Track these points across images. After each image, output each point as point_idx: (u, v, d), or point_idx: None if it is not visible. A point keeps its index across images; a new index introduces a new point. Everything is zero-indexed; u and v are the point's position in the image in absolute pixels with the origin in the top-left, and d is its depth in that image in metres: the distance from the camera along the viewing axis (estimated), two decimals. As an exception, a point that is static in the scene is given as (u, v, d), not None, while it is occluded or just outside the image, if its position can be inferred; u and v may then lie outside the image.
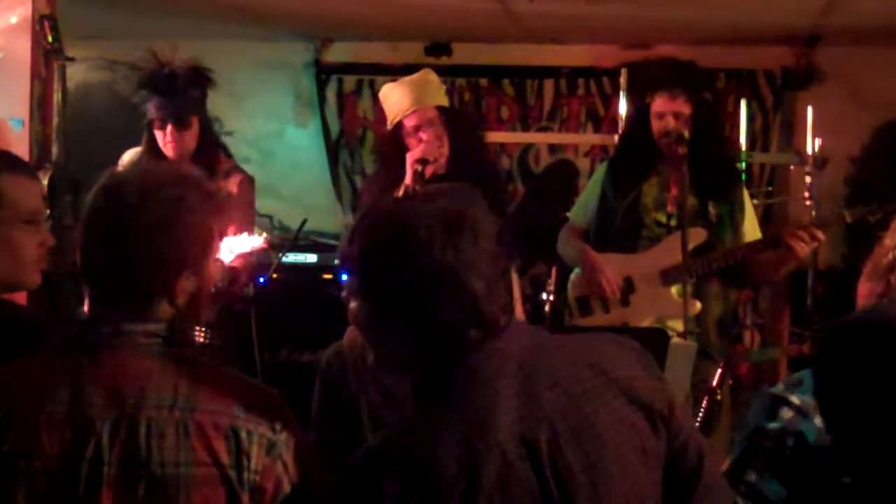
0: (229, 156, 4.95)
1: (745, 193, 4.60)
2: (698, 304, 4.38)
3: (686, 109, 4.32)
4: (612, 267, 4.43)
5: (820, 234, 4.24)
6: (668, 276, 4.34)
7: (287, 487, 2.01)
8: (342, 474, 1.97)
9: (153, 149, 4.51)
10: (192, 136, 4.50)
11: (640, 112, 4.46)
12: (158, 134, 4.50)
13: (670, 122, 4.30)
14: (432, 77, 4.58)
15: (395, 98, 4.49)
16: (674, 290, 4.34)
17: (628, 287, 4.44)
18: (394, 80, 7.18)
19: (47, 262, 2.60)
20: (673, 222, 4.39)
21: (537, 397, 1.92)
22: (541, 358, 2.00)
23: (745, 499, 2.14)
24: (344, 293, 2.07)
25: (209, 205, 2.06)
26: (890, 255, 2.65)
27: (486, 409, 1.90)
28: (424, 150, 4.25)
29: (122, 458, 1.91)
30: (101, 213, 2.03)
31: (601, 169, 4.70)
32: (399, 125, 4.45)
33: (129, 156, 4.63)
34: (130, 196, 2.00)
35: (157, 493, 1.91)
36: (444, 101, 4.56)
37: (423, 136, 4.38)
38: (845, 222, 4.44)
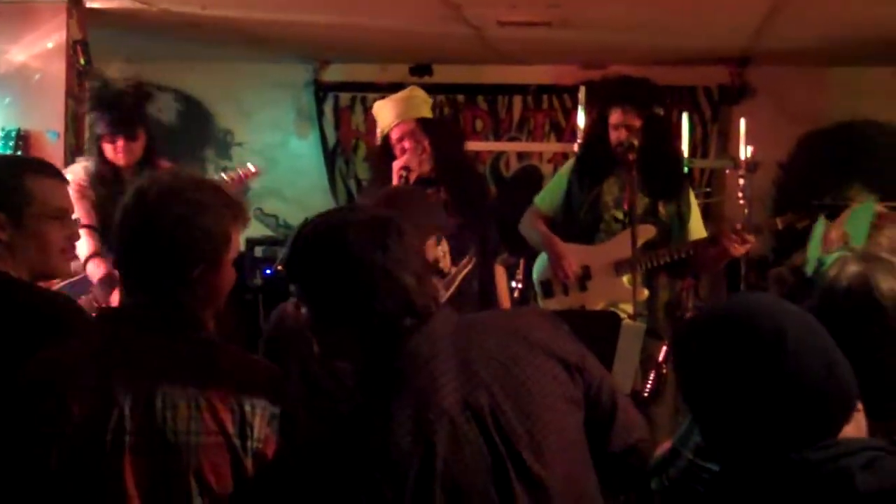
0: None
1: (692, 194, 4.58)
2: (646, 292, 4.37)
3: (637, 122, 4.30)
4: (573, 255, 4.43)
5: (751, 238, 4.26)
6: (620, 267, 4.34)
7: None
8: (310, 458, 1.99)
9: (104, 159, 4.42)
10: (139, 146, 4.43)
11: (599, 122, 4.42)
12: (108, 147, 4.38)
13: (623, 134, 4.29)
14: (417, 93, 4.56)
15: (383, 113, 4.48)
16: (625, 278, 4.33)
17: (586, 274, 4.42)
18: (383, 97, 7.22)
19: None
20: (628, 219, 4.38)
21: (472, 368, 1.94)
22: (470, 334, 2.00)
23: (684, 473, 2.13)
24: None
25: (226, 208, 2.05)
26: (834, 248, 2.68)
27: (429, 384, 1.90)
28: (407, 160, 4.24)
29: (141, 428, 1.91)
30: (129, 213, 2.03)
31: (568, 164, 4.67)
32: (386, 137, 4.44)
33: (79, 164, 4.54)
34: (154, 198, 2.00)
35: (172, 457, 1.91)
36: (427, 114, 4.50)
37: (406, 145, 4.36)
38: (776, 229, 4.47)
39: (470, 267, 3.61)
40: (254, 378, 2.02)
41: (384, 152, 4.49)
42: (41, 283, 2.54)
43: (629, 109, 4.29)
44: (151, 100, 4.55)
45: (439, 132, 4.52)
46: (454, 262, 4.19)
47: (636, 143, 4.25)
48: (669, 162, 4.51)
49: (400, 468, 1.84)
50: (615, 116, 4.31)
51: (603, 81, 4.56)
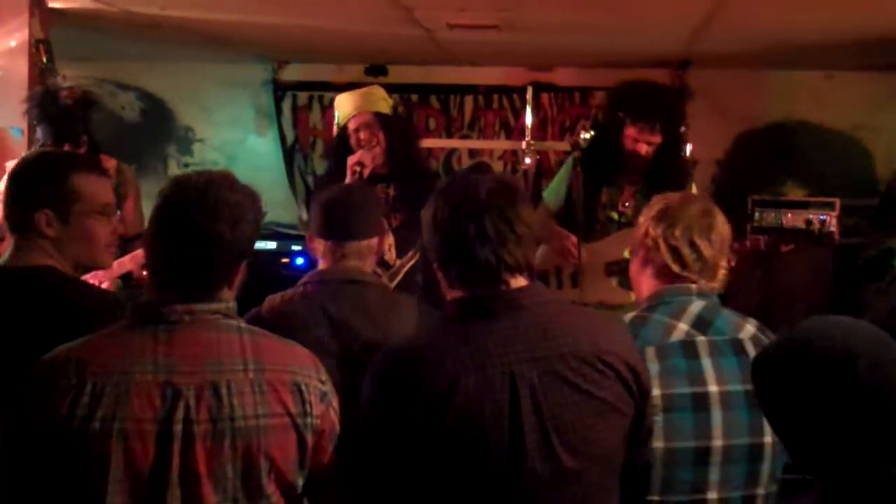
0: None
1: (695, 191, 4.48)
2: (633, 296, 4.36)
3: (658, 139, 4.26)
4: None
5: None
6: (611, 269, 4.29)
7: (338, 427, 2.12)
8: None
9: None
10: (82, 152, 4.41)
11: (615, 125, 4.31)
12: None
13: (643, 148, 4.24)
14: (377, 90, 4.56)
15: (343, 105, 4.47)
16: (614, 280, 4.28)
17: (579, 270, 4.31)
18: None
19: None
20: (623, 220, 4.34)
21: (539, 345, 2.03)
22: (558, 314, 2.10)
23: None
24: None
25: (257, 205, 2.13)
26: (642, 231, 2.74)
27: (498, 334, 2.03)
28: (361, 156, 4.22)
29: (210, 416, 1.94)
30: (172, 213, 2.04)
31: (569, 162, 4.52)
32: (343, 129, 4.42)
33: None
34: (200, 198, 2.02)
35: (242, 442, 1.95)
36: (385, 110, 4.49)
37: (362, 136, 4.35)
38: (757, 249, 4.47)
39: (414, 261, 3.63)
40: (299, 359, 2.08)
41: (340, 145, 4.46)
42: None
43: (656, 128, 4.25)
44: (95, 108, 4.50)
45: (395, 128, 4.48)
46: (399, 255, 4.23)
47: (651, 154, 4.23)
48: (677, 171, 4.44)
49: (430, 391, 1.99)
50: (638, 130, 4.24)
51: (628, 90, 4.41)
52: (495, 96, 7.37)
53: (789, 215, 6.25)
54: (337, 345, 2.74)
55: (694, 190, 4.49)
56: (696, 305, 2.60)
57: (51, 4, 4.85)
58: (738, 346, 2.53)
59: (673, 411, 2.42)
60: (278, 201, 7.16)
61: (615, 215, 4.35)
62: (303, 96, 7.51)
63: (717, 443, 2.44)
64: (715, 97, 7.02)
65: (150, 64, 7.48)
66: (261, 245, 6.67)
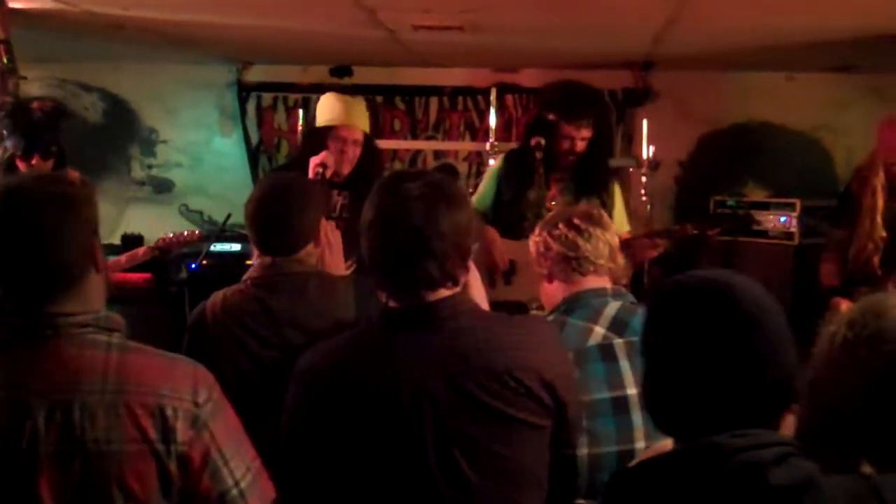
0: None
1: (618, 192, 4.57)
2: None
3: (590, 133, 4.31)
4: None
5: (661, 242, 4.29)
6: None
7: (216, 455, 1.91)
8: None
9: (16, 174, 4.36)
10: (51, 162, 4.40)
11: (548, 126, 4.32)
12: (21, 164, 4.34)
13: (579, 144, 4.28)
14: (363, 104, 4.52)
15: (339, 106, 4.33)
16: None
17: (511, 269, 4.41)
18: (305, 98, 7.25)
19: None
20: None
21: (457, 357, 1.99)
22: (475, 327, 2.05)
23: None
24: None
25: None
26: (533, 249, 2.78)
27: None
28: (325, 157, 4.18)
29: (58, 439, 1.81)
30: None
31: (498, 163, 4.64)
32: (330, 128, 4.27)
33: None
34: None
35: (93, 468, 1.82)
36: (368, 127, 4.49)
37: (348, 150, 4.26)
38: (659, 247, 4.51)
39: (352, 269, 3.63)
40: (174, 379, 1.91)
41: (314, 139, 4.36)
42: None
43: (587, 123, 4.29)
44: (64, 118, 4.48)
45: (372, 151, 4.51)
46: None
47: (580, 152, 4.28)
48: (601, 164, 4.53)
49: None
50: (572, 128, 4.28)
51: (560, 89, 4.50)
52: (460, 98, 7.40)
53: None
54: (279, 339, 2.73)
55: (617, 191, 4.56)
56: (612, 307, 2.64)
57: (11, 5, 4.78)
58: None
59: (595, 418, 2.44)
60: (243, 203, 7.07)
61: (544, 212, 4.39)
62: (267, 97, 7.50)
63: (640, 445, 2.46)
64: (678, 98, 7.09)
65: (114, 65, 7.44)
66: (225, 247, 6.64)
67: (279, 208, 2.80)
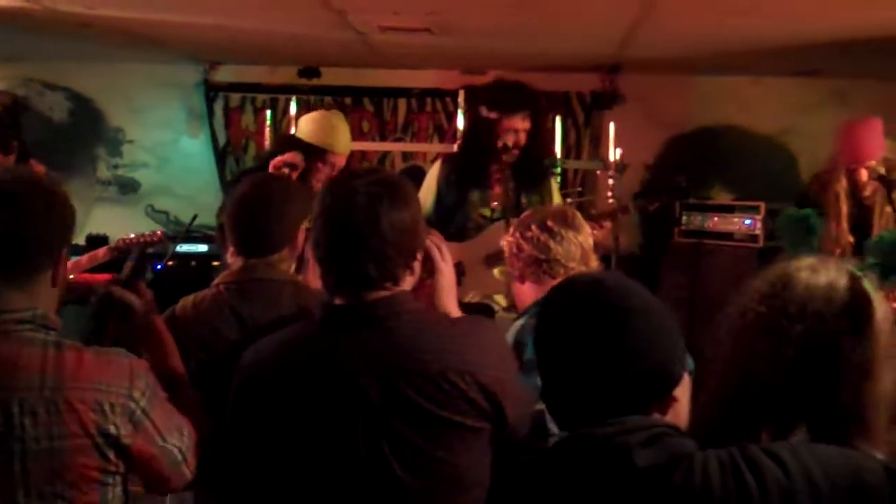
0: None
1: (555, 186, 4.64)
2: (516, 283, 4.43)
3: (528, 126, 4.35)
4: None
5: (607, 224, 4.34)
6: (490, 260, 4.36)
7: (158, 439, 1.99)
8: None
9: None
10: (12, 157, 4.36)
11: (488, 126, 4.35)
12: None
13: (521, 138, 4.32)
14: None
15: (337, 132, 4.39)
16: (496, 271, 4.36)
17: (460, 270, 4.42)
18: (273, 99, 7.23)
19: None
20: (495, 215, 4.41)
21: (397, 358, 1.98)
22: (419, 325, 2.05)
23: None
24: None
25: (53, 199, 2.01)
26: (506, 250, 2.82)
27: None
28: (292, 157, 4.20)
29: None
30: None
31: (435, 167, 4.65)
32: (324, 152, 4.33)
33: None
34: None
35: (36, 466, 1.85)
36: None
37: (334, 175, 4.34)
38: (629, 212, 4.58)
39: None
40: (110, 375, 1.95)
41: (305, 156, 4.36)
42: None
43: (526, 115, 4.33)
44: (24, 112, 4.45)
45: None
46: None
47: (522, 144, 4.32)
48: (539, 158, 4.56)
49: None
50: (513, 121, 4.31)
51: (496, 87, 4.54)
52: (428, 99, 7.40)
53: (715, 219, 6.37)
54: (246, 343, 2.73)
55: (555, 190, 4.63)
56: None
57: (-26, 2, 4.76)
58: None
59: None
60: (210, 203, 7.05)
61: (487, 212, 4.43)
62: (235, 98, 7.46)
63: None
64: (645, 101, 7.14)
65: (79, 64, 7.38)
66: (191, 248, 6.61)
67: (261, 207, 2.78)
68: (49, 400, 1.86)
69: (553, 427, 2.21)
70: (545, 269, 2.73)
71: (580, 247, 2.77)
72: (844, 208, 4.41)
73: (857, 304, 1.61)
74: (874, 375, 1.57)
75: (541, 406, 2.06)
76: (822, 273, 1.65)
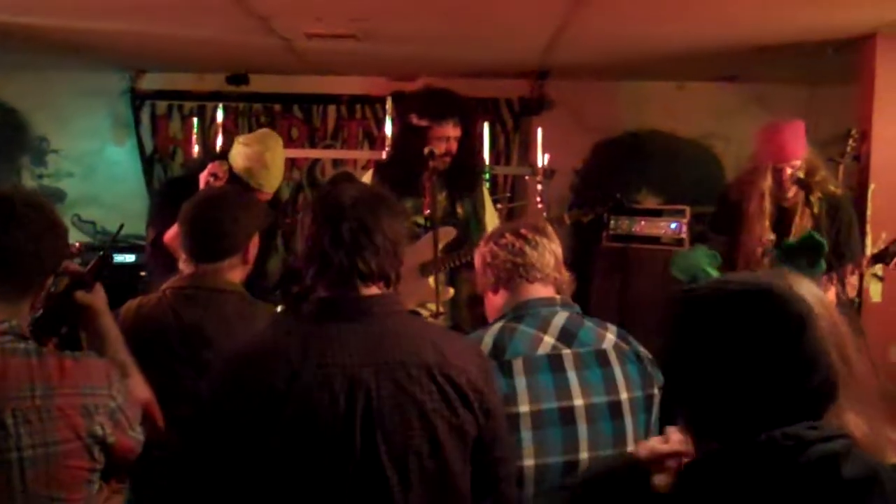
0: None
1: (486, 193, 4.66)
2: (451, 290, 4.45)
3: (459, 133, 4.36)
4: None
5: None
6: (425, 269, 4.37)
7: (130, 430, 2.08)
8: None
9: None
10: None
11: (418, 132, 4.34)
12: None
13: (453, 145, 4.34)
14: None
15: (274, 169, 4.26)
16: (430, 279, 4.38)
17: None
18: (200, 106, 7.17)
19: None
20: (428, 223, 4.43)
21: (384, 354, 2.05)
22: (404, 328, 2.12)
23: None
24: None
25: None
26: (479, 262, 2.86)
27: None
28: (215, 167, 4.18)
29: None
30: None
31: (367, 177, 4.68)
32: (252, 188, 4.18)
33: None
34: None
35: (33, 472, 1.91)
36: None
37: None
38: (564, 223, 4.61)
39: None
40: (90, 378, 2.02)
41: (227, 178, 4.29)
42: None
43: (457, 122, 4.34)
44: None
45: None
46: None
47: (453, 152, 4.34)
48: (470, 166, 4.59)
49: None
50: (443, 129, 4.31)
51: (425, 95, 4.55)
52: (358, 106, 7.39)
53: (642, 223, 6.46)
54: (187, 351, 2.73)
55: (486, 193, 4.66)
56: (561, 317, 2.66)
57: None
58: (601, 358, 2.60)
59: (543, 428, 2.47)
60: (137, 212, 6.99)
61: (420, 220, 4.44)
62: (162, 105, 7.38)
63: (584, 455, 2.49)
64: (572, 107, 7.21)
65: (2, 73, 7.25)
66: (119, 258, 6.53)
67: (215, 213, 2.87)
68: (40, 408, 1.93)
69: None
70: (521, 273, 2.73)
71: (553, 254, 2.79)
72: (769, 207, 4.50)
73: None
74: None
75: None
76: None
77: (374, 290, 2.13)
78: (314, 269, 2.12)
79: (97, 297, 2.30)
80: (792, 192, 4.51)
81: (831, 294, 4.09)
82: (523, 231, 2.81)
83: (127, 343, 2.65)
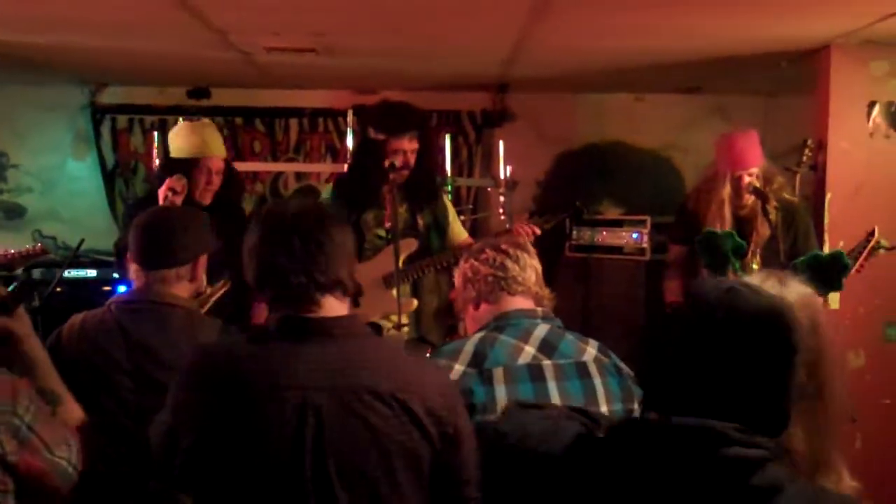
0: None
1: (448, 204, 4.67)
2: (415, 302, 4.46)
3: (417, 146, 4.38)
4: None
5: (536, 230, 4.40)
6: (388, 281, 4.38)
7: (46, 452, 2.02)
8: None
9: None
10: None
11: (376, 146, 4.38)
12: None
13: (410, 158, 4.34)
14: (216, 131, 4.70)
15: (197, 137, 4.53)
16: (394, 291, 4.37)
17: (358, 291, 4.40)
18: (161, 120, 7.14)
19: None
20: (389, 236, 4.43)
21: (338, 374, 2.02)
22: (364, 349, 2.11)
23: None
24: None
25: None
26: (459, 281, 2.88)
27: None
28: (173, 182, 4.24)
29: None
30: None
31: (327, 191, 4.70)
32: (197, 161, 4.47)
33: None
34: None
35: None
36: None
37: (214, 180, 4.51)
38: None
39: (224, 290, 3.62)
40: None
41: (176, 172, 4.42)
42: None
43: (414, 136, 4.36)
44: None
45: (231, 175, 4.67)
46: (210, 283, 4.20)
47: (411, 164, 4.35)
48: (429, 177, 4.60)
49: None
50: (401, 143, 4.34)
51: (382, 109, 4.56)
52: (320, 119, 7.37)
53: (604, 233, 6.50)
54: (132, 365, 2.72)
55: (448, 202, 4.69)
56: (542, 329, 2.68)
57: None
58: (582, 370, 2.63)
59: None
60: (99, 227, 6.97)
61: (382, 232, 4.46)
62: (123, 119, 7.32)
63: None
64: (533, 119, 7.24)
65: (-40, 88, 7.18)
66: (81, 273, 6.47)
67: (164, 222, 2.94)
68: None
69: None
70: (503, 286, 2.76)
71: (534, 269, 2.82)
72: (728, 214, 4.56)
73: None
74: None
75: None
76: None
77: (335, 310, 2.12)
78: (270, 289, 2.11)
79: (19, 323, 2.23)
80: (748, 200, 4.56)
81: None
82: (504, 246, 2.83)
83: (72, 358, 2.65)
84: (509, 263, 2.77)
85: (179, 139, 4.54)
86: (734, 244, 3.81)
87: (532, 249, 2.90)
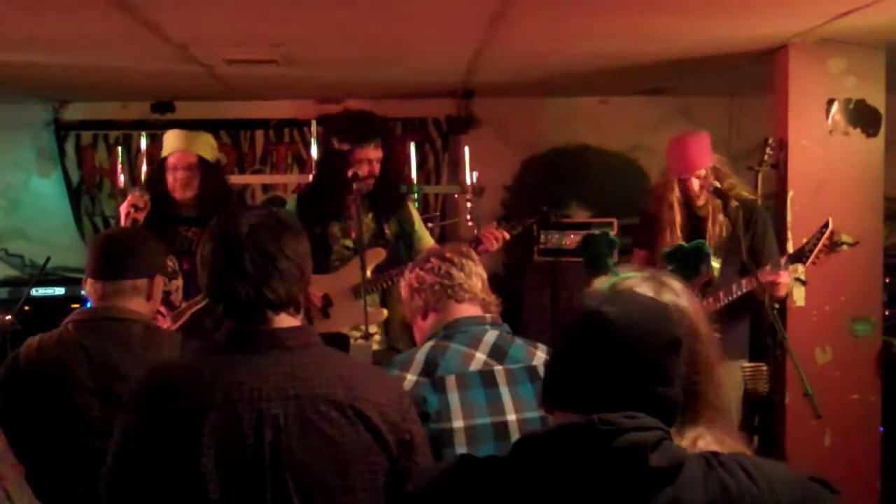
0: None
1: (414, 211, 4.68)
2: (385, 312, 4.45)
3: (381, 154, 4.39)
4: (314, 285, 4.42)
5: (506, 234, 4.42)
6: (357, 291, 4.37)
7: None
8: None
9: None
10: None
11: (339, 156, 4.39)
12: None
13: (375, 168, 4.35)
14: (208, 137, 4.78)
15: (170, 139, 4.66)
16: (362, 302, 4.35)
17: (328, 302, 4.40)
18: (126, 135, 7.11)
19: None
20: (356, 246, 4.43)
21: (290, 383, 2.02)
22: (320, 355, 2.10)
23: None
24: None
25: None
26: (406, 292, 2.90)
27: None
28: (135, 198, 4.29)
29: None
30: None
31: (292, 201, 4.70)
32: (164, 160, 4.59)
33: None
34: None
35: None
36: (209, 157, 4.67)
37: (180, 175, 4.55)
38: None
39: (203, 304, 3.61)
40: None
41: (157, 178, 4.60)
42: None
43: (377, 145, 4.37)
44: None
45: (212, 176, 4.66)
46: (187, 297, 4.20)
47: (376, 173, 4.36)
48: (394, 185, 4.61)
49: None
50: (365, 152, 4.34)
51: (345, 118, 4.58)
52: (286, 130, 7.37)
53: (572, 236, 6.53)
54: (95, 382, 2.72)
55: (413, 210, 4.72)
56: (491, 335, 2.70)
57: None
58: (533, 374, 2.64)
59: (477, 443, 2.49)
60: (65, 244, 6.95)
61: (349, 243, 4.46)
62: (87, 135, 7.29)
63: None
64: (499, 125, 7.27)
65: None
66: (48, 291, 6.45)
67: (120, 235, 3.05)
68: None
69: None
70: (450, 294, 2.77)
71: (479, 277, 2.83)
72: (678, 217, 4.60)
73: None
74: None
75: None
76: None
77: (286, 322, 2.10)
78: (222, 304, 2.10)
79: None
80: (703, 200, 4.61)
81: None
82: (448, 255, 2.85)
83: (33, 382, 2.63)
84: (454, 271, 2.79)
85: (174, 137, 4.71)
86: (609, 243, 3.86)
87: (476, 257, 2.91)
